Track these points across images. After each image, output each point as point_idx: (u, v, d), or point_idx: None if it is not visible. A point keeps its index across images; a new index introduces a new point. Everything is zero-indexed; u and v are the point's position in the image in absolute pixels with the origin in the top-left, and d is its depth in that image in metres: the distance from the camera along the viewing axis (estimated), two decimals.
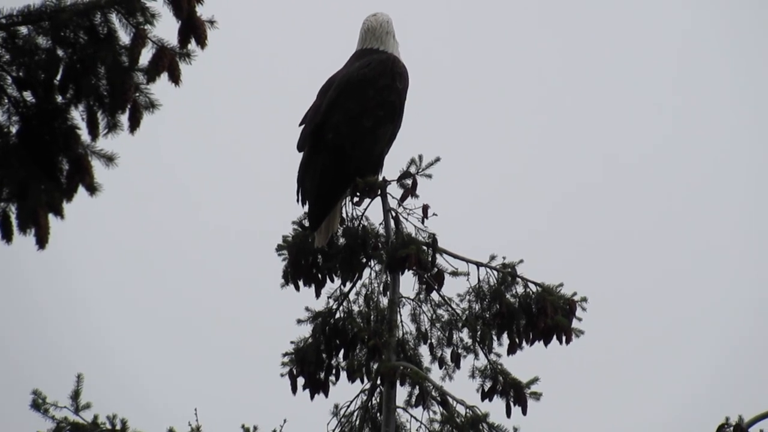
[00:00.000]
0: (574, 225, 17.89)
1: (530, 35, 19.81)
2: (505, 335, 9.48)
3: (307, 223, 9.47)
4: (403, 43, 9.75)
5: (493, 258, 9.52)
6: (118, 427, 8.89)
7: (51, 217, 5.82)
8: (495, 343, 9.46)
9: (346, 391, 9.43)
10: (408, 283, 9.44)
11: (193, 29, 5.92)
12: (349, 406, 9.33)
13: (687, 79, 19.26)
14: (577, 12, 19.68)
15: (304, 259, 9.55)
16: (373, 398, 9.28)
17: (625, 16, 19.73)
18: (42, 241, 5.77)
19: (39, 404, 8.78)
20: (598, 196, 18.32)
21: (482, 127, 18.95)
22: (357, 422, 9.28)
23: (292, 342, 9.55)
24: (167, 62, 5.90)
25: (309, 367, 9.42)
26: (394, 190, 9.44)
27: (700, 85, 19.28)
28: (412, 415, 9.16)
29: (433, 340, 9.52)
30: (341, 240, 9.52)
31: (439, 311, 9.53)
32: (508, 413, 9.27)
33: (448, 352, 9.51)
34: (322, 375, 9.48)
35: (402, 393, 9.14)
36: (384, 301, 9.47)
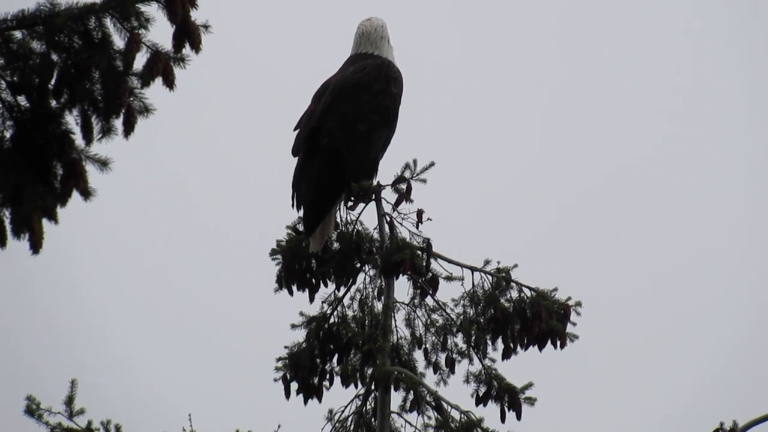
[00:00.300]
0: (572, 228, 17.90)
1: (528, 38, 19.81)
2: (499, 340, 9.48)
3: (302, 228, 9.46)
4: (403, 44, 9.76)
5: (487, 263, 9.52)
6: None
7: (45, 221, 5.81)
8: (489, 348, 9.46)
9: (340, 396, 9.43)
10: (402, 287, 9.44)
11: (187, 34, 5.91)
12: (343, 411, 9.32)
13: (686, 82, 19.27)
14: (576, 13, 19.69)
15: (298, 264, 9.54)
16: (368, 403, 9.27)
17: (626, 16, 19.75)
18: (36, 246, 5.76)
19: (33, 410, 8.76)
20: (595, 199, 18.32)
21: (478, 131, 18.95)
22: (351, 427, 9.27)
23: (285, 347, 9.54)
24: (162, 67, 5.89)
25: (303, 372, 9.41)
26: (389, 195, 9.44)
27: (699, 88, 19.28)
28: (406, 420, 9.15)
29: (427, 345, 9.51)
30: (335, 245, 9.51)
31: (434, 316, 9.53)
32: (503, 418, 9.27)
33: (442, 357, 9.50)
34: (316, 380, 9.47)
35: (396, 398, 9.13)
36: (378, 305, 9.46)
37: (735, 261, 17.48)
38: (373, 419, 9.24)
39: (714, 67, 19.11)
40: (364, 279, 9.55)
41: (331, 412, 9.33)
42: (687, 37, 19.41)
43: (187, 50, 5.93)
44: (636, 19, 19.70)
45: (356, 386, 9.42)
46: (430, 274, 9.37)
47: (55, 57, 5.81)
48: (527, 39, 19.68)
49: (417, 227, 9.35)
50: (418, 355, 9.52)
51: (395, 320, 9.40)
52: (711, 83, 19.14)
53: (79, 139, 5.88)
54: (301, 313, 9.55)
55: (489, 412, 9.25)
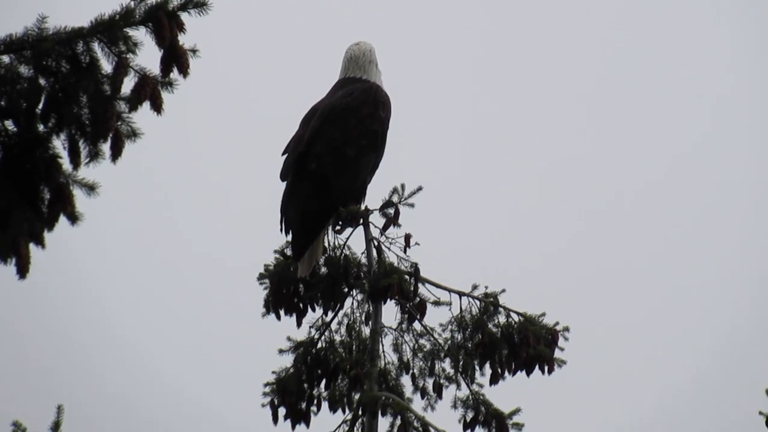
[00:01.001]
0: (560, 253, 17.92)
1: (524, 53, 19.85)
2: (487, 365, 9.46)
3: (290, 253, 9.45)
4: (390, 67, 9.78)
5: (475, 287, 9.51)
6: None
7: (32, 246, 5.80)
8: (477, 373, 9.44)
9: (327, 422, 9.40)
10: (390, 312, 9.43)
11: (175, 58, 5.92)
12: None
13: (695, 112, 19.32)
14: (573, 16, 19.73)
15: (286, 288, 9.52)
16: (355, 428, 9.24)
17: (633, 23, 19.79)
18: (23, 270, 5.74)
19: None
20: (585, 226, 18.35)
21: (466, 154, 18.97)
22: None
23: (273, 372, 9.51)
24: (149, 91, 5.90)
25: (290, 397, 9.38)
26: (377, 220, 9.44)
27: (708, 117, 19.31)
28: None
29: (415, 370, 9.49)
30: (323, 269, 9.50)
31: (422, 341, 9.51)
32: None
33: (430, 382, 9.48)
34: (304, 405, 9.44)
35: (384, 423, 9.10)
36: (366, 330, 9.44)
37: (714, 288, 17.56)
38: None
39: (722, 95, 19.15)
40: (352, 304, 9.54)
41: None
42: (688, 46, 19.46)
43: (175, 74, 5.94)
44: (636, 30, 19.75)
45: (344, 411, 9.39)
46: (418, 299, 9.36)
47: (42, 81, 5.81)
48: (513, 72, 19.73)
49: (405, 252, 9.35)
50: (406, 380, 9.51)
51: (383, 345, 9.39)
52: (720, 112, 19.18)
53: (66, 164, 5.88)
54: (289, 338, 9.53)
55: None
